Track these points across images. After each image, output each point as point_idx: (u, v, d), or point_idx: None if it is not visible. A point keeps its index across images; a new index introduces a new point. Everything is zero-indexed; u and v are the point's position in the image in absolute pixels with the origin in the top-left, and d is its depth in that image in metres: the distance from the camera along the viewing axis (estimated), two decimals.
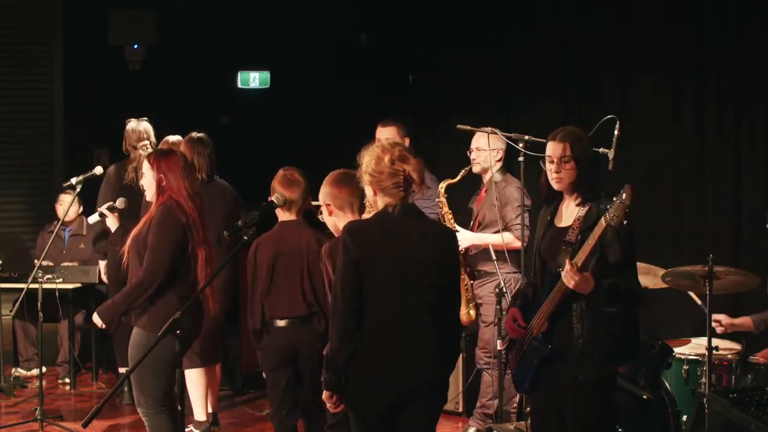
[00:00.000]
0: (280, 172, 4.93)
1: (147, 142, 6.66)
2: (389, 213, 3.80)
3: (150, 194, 4.87)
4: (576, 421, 4.06)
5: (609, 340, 4.04)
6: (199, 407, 5.93)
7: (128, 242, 4.85)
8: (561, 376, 4.08)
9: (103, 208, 6.53)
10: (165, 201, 4.77)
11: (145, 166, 4.89)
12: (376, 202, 3.87)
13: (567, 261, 3.94)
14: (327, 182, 4.41)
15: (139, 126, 6.71)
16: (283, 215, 4.92)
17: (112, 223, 6.55)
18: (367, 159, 3.86)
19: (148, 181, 4.86)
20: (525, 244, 5.57)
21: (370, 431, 3.81)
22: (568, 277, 3.93)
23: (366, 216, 4.34)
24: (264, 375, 4.99)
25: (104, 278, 7.20)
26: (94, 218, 6.66)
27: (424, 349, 3.76)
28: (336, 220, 4.38)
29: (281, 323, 4.84)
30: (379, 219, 3.82)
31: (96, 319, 4.84)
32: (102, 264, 7.20)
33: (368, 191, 3.89)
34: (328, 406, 3.86)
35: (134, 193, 6.37)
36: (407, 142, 6.05)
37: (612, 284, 3.98)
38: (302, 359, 4.86)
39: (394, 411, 3.79)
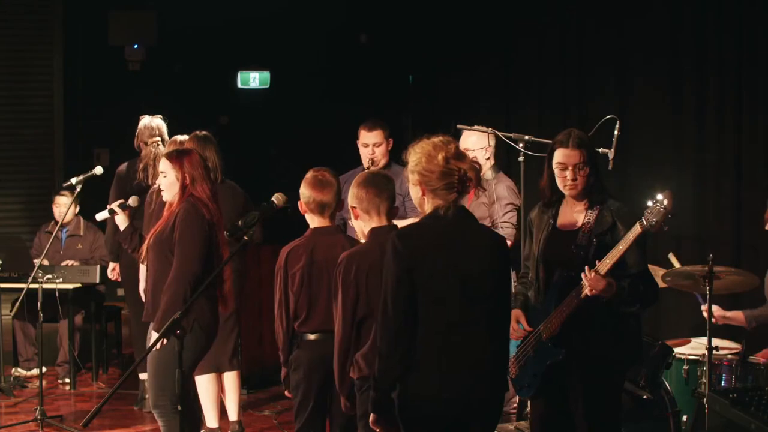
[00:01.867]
0: (310, 173, 4.47)
1: (158, 138, 6.56)
2: (440, 216, 3.50)
3: (170, 194, 4.73)
4: (590, 422, 4.02)
5: (628, 340, 4.06)
6: (212, 414, 5.84)
7: (147, 241, 4.74)
8: (575, 378, 4.03)
9: (114, 205, 6.32)
10: (188, 199, 4.67)
11: (165, 165, 4.74)
12: (423, 203, 3.57)
13: (588, 268, 3.88)
14: (354, 183, 4.12)
15: (152, 122, 6.62)
16: (314, 221, 4.48)
17: (122, 221, 6.31)
18: (417, 156, 3.53)
19: (169, 180, 4.71)
20: (512, 242, 5.55)
21: None
22: (593, 283, 3.87)
23: (398, 221, 4.16)
24: (288, 392, 4.59)
25: (116, 277, 7.08)
26: (102, 215, 6.41)
27: (483, 364, 3.49)
28: (362, 225, 4.11)
29: (312, 337, 4.42)
30: (431, 223, 3.52)
31: (154, 335, 4.50)
32: (112, 265, 7.09)
33: (415, 192, 3.58)
34: (377, 431, 3.60)
35: (143, 193, 6.33)
36: (390, 144, 6.02)
37: (631, 285, 3.96)
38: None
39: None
